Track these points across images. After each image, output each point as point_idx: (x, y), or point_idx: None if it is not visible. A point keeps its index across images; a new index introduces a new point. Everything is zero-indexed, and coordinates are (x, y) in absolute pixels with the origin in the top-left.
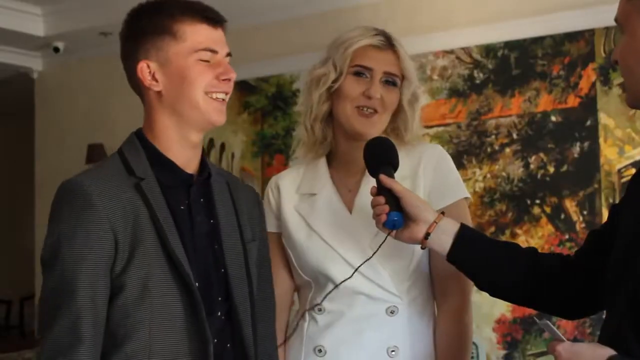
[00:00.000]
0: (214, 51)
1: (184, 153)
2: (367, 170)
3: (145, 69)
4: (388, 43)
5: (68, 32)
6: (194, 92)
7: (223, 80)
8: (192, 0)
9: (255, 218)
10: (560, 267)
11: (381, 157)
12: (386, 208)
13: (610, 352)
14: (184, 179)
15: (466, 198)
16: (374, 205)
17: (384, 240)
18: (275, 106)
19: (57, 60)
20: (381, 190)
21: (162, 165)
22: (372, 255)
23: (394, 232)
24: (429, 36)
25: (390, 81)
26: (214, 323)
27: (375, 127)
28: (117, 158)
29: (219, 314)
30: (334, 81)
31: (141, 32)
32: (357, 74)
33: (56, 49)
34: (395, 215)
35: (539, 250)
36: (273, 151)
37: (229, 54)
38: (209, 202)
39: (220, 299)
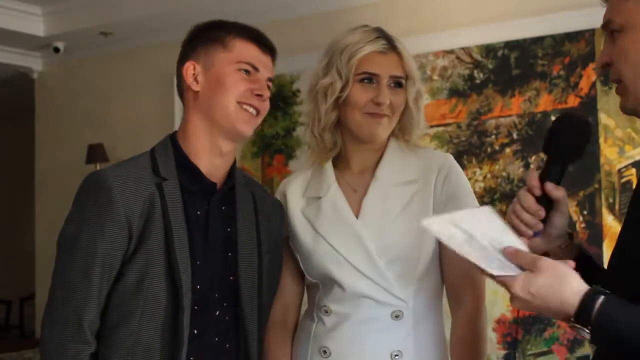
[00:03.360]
0: (255, 68)
1: (211, 161)
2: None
3: (190, 69)
4: (391, 45)
5: (68, 32)
6: (226, 99)
7: (256, 94)
8: (252, 26)
9: (273, 231)
10: None
11: (572, 147)
12: (542, 216)
13: (584, 286)
14: (205, 185)
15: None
16: (532, 211)
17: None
18: (275, 106)
19: (57, 60)
20: (542, 197)
21: (188, 170)
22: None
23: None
24: (429, 36)
25: (396, 83)
26: (212, 322)
27: (386, 129)
28: (148, 157)
29: (217, 313)
30: (341, 90)
31: (199, 39)
32: (364, 80)
33: (56, 49)
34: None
35: None
36: (273, 151)
37: (270, 79)
38: (231, 211)
39: (225, 304)
